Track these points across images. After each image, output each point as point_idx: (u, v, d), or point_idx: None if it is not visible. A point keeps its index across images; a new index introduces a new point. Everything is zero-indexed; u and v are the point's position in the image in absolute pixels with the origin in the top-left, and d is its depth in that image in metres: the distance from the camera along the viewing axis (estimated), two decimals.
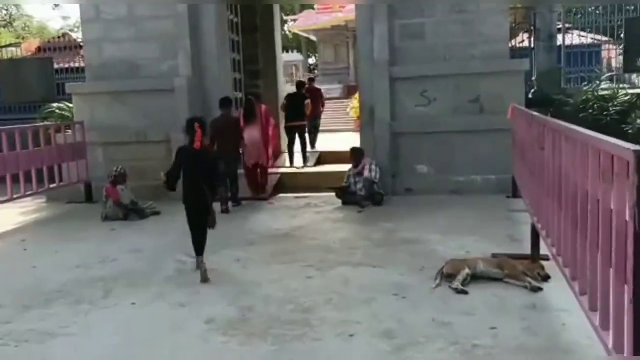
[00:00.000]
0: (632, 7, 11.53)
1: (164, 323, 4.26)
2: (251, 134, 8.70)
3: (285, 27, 31.95)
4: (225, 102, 8.39)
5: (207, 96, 9.26)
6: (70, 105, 10.50)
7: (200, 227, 5.24)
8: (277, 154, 11.36)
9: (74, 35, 19.23)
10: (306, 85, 13.09)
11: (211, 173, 5.37)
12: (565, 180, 3.49)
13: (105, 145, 9.43)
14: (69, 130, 9.42)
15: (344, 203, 8.21)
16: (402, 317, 4.10)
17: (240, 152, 8.49)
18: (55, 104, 11.75)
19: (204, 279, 5.09)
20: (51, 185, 8.77)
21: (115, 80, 9.40)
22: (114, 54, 9.43)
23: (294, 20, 30.36)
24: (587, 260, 3.01)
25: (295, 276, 5.17)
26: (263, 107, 9.32)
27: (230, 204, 8.17)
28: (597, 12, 12.14)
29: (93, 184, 9.15)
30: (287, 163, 11.42)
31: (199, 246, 5.24)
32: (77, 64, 13.40)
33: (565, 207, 3.52)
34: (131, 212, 7.88)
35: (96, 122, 9.46)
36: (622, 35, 12.04)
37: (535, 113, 5.17)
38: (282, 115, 11.95)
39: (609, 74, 10.99)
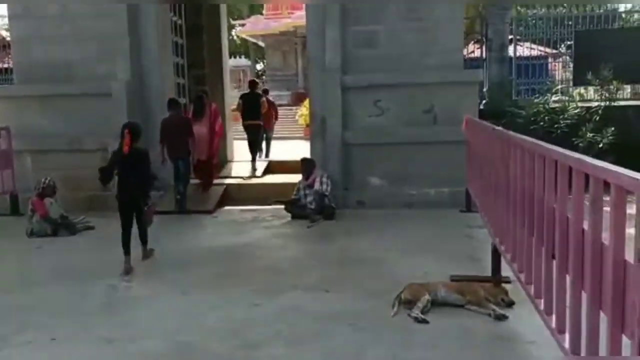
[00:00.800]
0: (572, 21, 11.58)
1: None
2: (199, 130, 8.57)
3: (233, 32, 31.34)
4: (172, 103, 8.31)
5: (147, 102, 8.71)
6: None
7: (137, 223, 5.69)
8: (221, 163, 10.76)
9: (5, 33, 18.07)
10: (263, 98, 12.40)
11: (141, 177, 5.63)
12: (539, 204, 3.18)
13: (34, 154, 8.70)
14: None
15: (293, 217, 7.79)
16: (360, 354, 3.70)
17: (190, 151, 8.19)
18: None
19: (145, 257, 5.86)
20: None
21: (46, 83, 8.66)
22: (45, 54, 8.68)
23: (242, 25, 29.76)
24: (569, 297, 2.69)
25: (241, 303, 4.69)
26: (214, 105, 9.22)
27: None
28: (537, 26, 12.17)
29: (20, 196, 8.38)
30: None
31: (142, 238, 5.80)
32: (6, 65, 12.48)
33: (538, 233, 3.21)
34: (61, 227, 7.21)
35: (25, 129, 8.67)
36: (562, 48, 12.14)
37: (498, 127, 4.89)
38: (233, 116, 11.55)
39: (557, 86, 10.98)
